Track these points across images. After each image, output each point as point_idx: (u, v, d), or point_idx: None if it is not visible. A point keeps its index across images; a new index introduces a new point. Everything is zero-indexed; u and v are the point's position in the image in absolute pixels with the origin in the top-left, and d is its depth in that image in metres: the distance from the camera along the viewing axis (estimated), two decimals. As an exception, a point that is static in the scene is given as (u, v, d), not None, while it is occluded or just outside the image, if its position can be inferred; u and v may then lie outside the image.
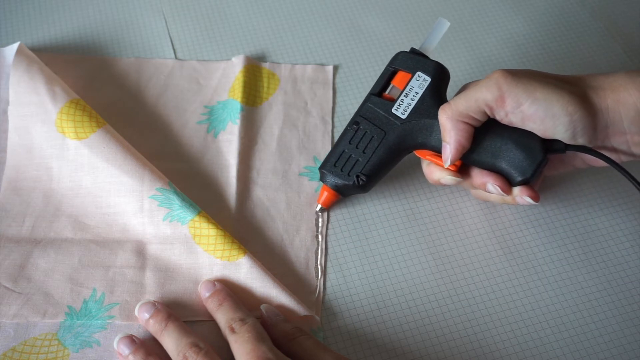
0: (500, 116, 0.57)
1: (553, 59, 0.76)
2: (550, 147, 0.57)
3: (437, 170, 0.60)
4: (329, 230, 0.63)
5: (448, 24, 0.63)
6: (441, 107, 0.58)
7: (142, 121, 0.69)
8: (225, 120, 0.69)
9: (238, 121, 0.69)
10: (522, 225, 0.64)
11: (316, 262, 0.61)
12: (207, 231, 0.59)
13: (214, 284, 0.57)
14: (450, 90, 0.64)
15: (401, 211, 0.65)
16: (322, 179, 0.63)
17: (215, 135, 0.68)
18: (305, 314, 0.57)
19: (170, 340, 0.53)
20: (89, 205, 0.62)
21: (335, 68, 0.75)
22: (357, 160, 0.61)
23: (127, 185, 0.61)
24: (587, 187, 0.67)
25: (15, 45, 0.68)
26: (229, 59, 0.74)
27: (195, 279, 0.59)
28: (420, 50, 0.63)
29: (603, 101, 0.55)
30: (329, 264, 0.62)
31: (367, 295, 0.60)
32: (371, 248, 0.62)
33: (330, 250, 0.62)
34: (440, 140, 0.59)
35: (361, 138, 0.62)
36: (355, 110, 0.63)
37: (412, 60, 0.62)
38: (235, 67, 0.73)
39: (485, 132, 0.58)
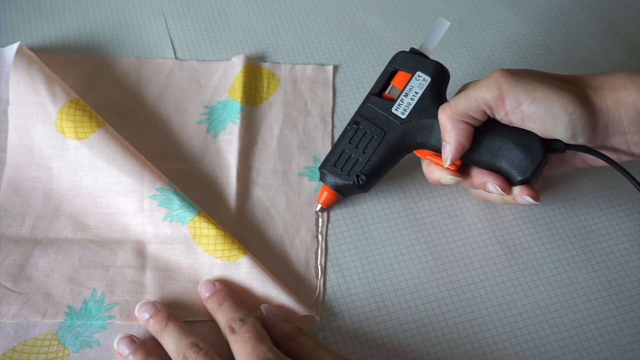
0: (500, 116, 0.57)
1: (553, 59, 0.76)
2: (550, 147, 0.57)
3: (437, 170, 0.60)
4: (329, 230, 0.63)
5: (448, 23, 0.63)
6: (441, 107, 0.58)
7: (142, 121, 0.69)
8: (225, 120, 0.69)
9: (238, 121, 0.69)
10: (522, 225, 0.64)
11: (316, 262, 0.61)
12: (207, 231, 0.59)
13: (214, 284, 0.57)
14: (450, 90, 0.64)
15: (401, 211, 0.65)
16: (322, 178, 0.63)
17: (215, 135, 0.68)
18: (305, 314, 0.57)
19: (170, 340, 0.53)
20: (89, 205, 0.62)
21: (335, 68, 0.75)
22: (357, 160, 0.61)
23: (127, 185, 0.61)
24: (587, 187, 0.67)
25: (15, 45, 0.68)
26: (229, 59, 0.74)
27: (195, 279, 0.59)
28: (420, 50, 0.63)
29: (603, 101, 0.55)
30: (329, 264, 0.62)
31: (367, 295, 0.60)
32: (371, 248, 0.62)
33: (330, 250, 0.62)
34: (440, 140, 0.59)
35: (361, 138, 0.62)
36: (355, 110, 0.63)
37: (412, 60, 0.62)
38: (235, 67, 0.73)
39: (485, 131, 0.58)
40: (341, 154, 0.62)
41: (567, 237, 0.63)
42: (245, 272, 0.58)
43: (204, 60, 0.74)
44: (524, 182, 0.58)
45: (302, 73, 0.74)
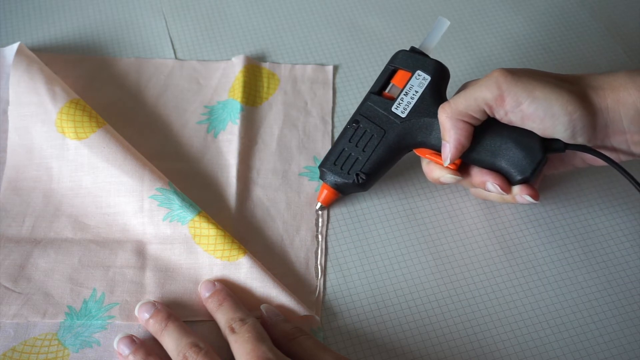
0: (499, 115, 0.57)
1: (553, 59, 0.76)
2: (550, 146, 0.57)
3: (436, 169, 0.60)
4: (329, 230, 0.63)
5: (448, 22, 0.63)
6: (441, 106, 0.58)
7: (142, 121, 0.69)
8: (225, 120, 0.69)
9: (238, 121, 0.69)
10: (522, 225, 0.64)
11: (316, 262, 0.61)
12: (207, 231, 0.59)
13: (214, 284, 0.57)
14: (450, 90, 0.64)
15: (401, 211, 0.65)
16: (322, 177, 0.63)
17: (215, 135, 0.68)
18: (305, 314, 0.57)
19: (170, 340, 0.53)
20: (89, 205, 0.62)
21: (335, 68, 0.75)
22: (357, 158, 0.62)
23: (127, 185, 0.61)
24: (586, 187, 0.67)
25: (15, 45, 0.68)
26: (229, 59, 0.74)
27: (195, 279, 0.59)
28: (420, 49, 0.63)
29: (603, 100, 0.55)
30: (329, 264, 0.62)
31: (367, 295, 0.60)
32: (371, 248, 0.62)
33: (330, 250, 0.62)
34: (439, 139, 0.59)
35: (361, 136, 0.62)
36: (355, 109, 0.63)
37: (412, 58, 0.62)
38: (235, 67, 0.73)
39: (485, 131, 0.58)
40: (341, 153, 0.62)
41: (567, 237, 0.63)
42: (245, 272, 0.58)
43: (204, 60, 0.74)
44: (523, 182, 0.58)
45: (302, 73, 0.74)
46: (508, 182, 0.59)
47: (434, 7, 0.81)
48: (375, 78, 0.64)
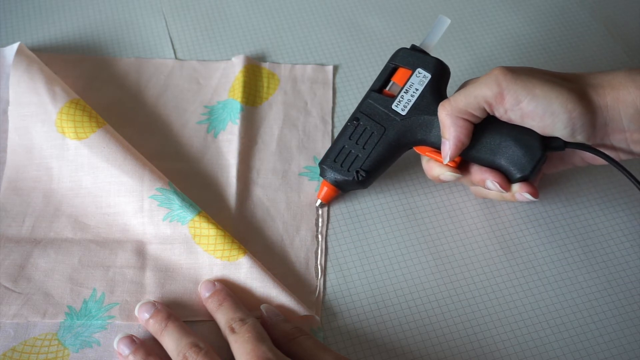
0: (499, 113, 0.57)
1: (553, 59, 0.76)
2: (549, 145, 0.58)
3: (436, 167, 0.61)
4: (329, 230, 0.63)
5: (449, 21, 0.63)
6: (441, 104, 0.58)
7: (142, 121, 0.69)
8: (225, 120, 0.69)
9: (238, 121, 0.69)
10: (522, 224, 0.64)
11: (316, 262, 0.61)
12: (207, 231, 0.59)
13: (214, 284, 0.57)
14: (450, 90, 0.64)
15: (401, 210, 0.65)
16: (322, 174, 0.63)
17: (215, 135, 0.68)
18: (305, 314, 0.57)
19: (170, 340, 0.53)
20: (89, 205, 0.62)
21: (335, 68, 0.75)
22: (357, 156, 0.62)
23: (127, 185, 0.61)
24: (586, 186, 0.67)
25: (15, 45, 0.68)
26: (229, 59, 0.74)
27: (195, 279, 0.59)
28: (421, 47, 0.63)
29: (602, 99, 0.55)
30: (329, 264, 0.62)
31: (367, 295, 0.60)
32: (371, 248, 0.62)
33: (330, 250, 0.62)
34: (439, 137, 0.59)
35: (361, 134, 0.62)
36: (356, 107, 0.63)
37: (412, 56, 0.62)
38: (235, 67, 0.73)
39: (485, 128, 0.58)
40: (341, 150, 0.62)
41: (567, 237, 0.63)
42: (245, 272, 0.58)
43: (204, 60, 0.74)
44: (523, 180, 0.58)
45: (302, 73, 0.74)
46: (508, 180, 0.59)
47: (434, 7, 0.81)
48: (375, 78, 0.64)
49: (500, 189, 0.59)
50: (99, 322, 0.56)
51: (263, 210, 0.64)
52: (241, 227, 0.63)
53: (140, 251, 0.60)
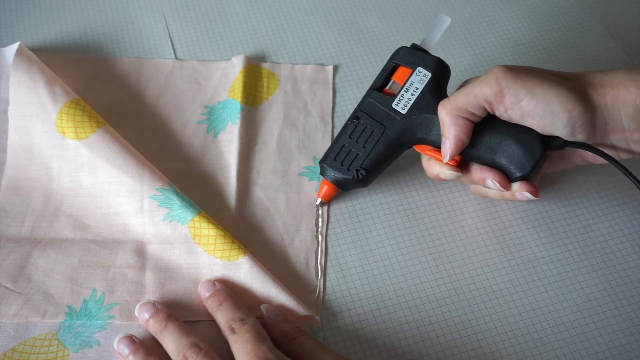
0: (499, 112, 0.57)
1: (553, 59, 0.76)
2: (549, 144, 0.58)
3: (436, 165, 0.61)
4: (329, 230, 0.63)
5: (449, 20, 0.63)
6: (441, 103, 0.58)
7: (142, 121, 0.69)
8: (225, 120, 0.69)
9: (238, 121, 0.69)
10: (522, 224, 0.64)
11: (316, 262, 0.61)
12: (207, 231, 0.59)
13: (214, 284, 0.57)
14: (450, 90, 0.64)
15: (401, 210, 0.65)
16: (322, 172, 0.63)
17: (215, 135, 0.68)
18: (305, 314, 0.57)
19: (170, 340, 0.53)
20: (89, 205, 0.62)
21: (335, 68, 0.75)
22: (357, 154, 0.62)
23: (127, 185, 0.61)
24: (586, 186, 0.66)
25: (15, 45, 0.68)
26: (229, 59, 0.74)
27: (195, 279, 0.59)
28: (421, 46, 0.63)
29: (602, 98, 0.55)
30: (329, 264, 0.62)
31: (367, 295, 0.60)
32: (371, 248, 0.62)
33: (330, 250, 0.62)
34: (439, 136, 0.59)
35: (361, 132, 0.62)
36: (356, 106, 0.63)
37: (412, 55, 0.62)
38: (235, 67, 0.73)
39: (485, 127, 0.58)
40: (341, 149, 0.62)
41: (567, 237, 0.63)
42: (245, 272, 0.58)
43: (204, 60, 0.74)
44: (522, 178, 0.59)
45: (302, 73, 0.74)
46: (507, 178, 0.59)
47: (434, 7, 0.81)
48: (375, 78, 0.64)
49: (500, 187, 0.59)
50: (99, 322, 0.56)
51: (263, 210, 0.64)
52: (241, 227, 0.63)
53: (140, 251, 0.60)
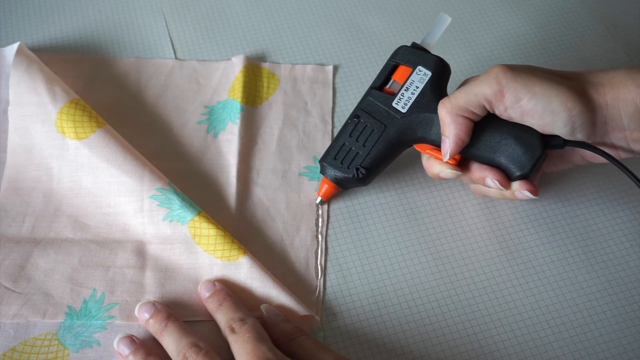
0: (499, 111, 0.57)
1: (553, 59, 0.76)
2: (549, 143, 0.58)
3: (436, 164, 0.61)
4: (329, 230, 0.63)
5: (449, 19, 0.63)
6: (441, 101, 0.58)
7: (142, 121, 0.69)
8: (225, 120, 0.69)
9: (238, 121, 0.69)
10: (522, 224, 0.64)
11: (316, 262, 0.61)
12: (207, 231, 0.59)
13: (214, 284, 0.57)
14: (450, 89, 0.64)
15: (400, 210, 0.65)
16: (322, 171, 0.63)
17: (215, 135, 0.68)
18: (305, 314, 0.57)
19: (170, 340, 0.53)
20: (89, 205, 0.62)
21: (335, 68, 0.75)
22: (357, 153, 0.62)
23: (127, 185, 0.61)
24: (586, 185, 0.66)
25: (15, 45, 0.68)
26: (229, 59, 0.74)
27: (195, 279, 0.59)
28: (422, 45, 0.63)
29: (602, 97, 0.55)
30: (329, 264, 0.62)
31: (367, 295, 0.60)
32: (371, 248, 0.62)
33: (330, 250, 0.62)
34: (439, 135, 0.59)
35: (361, 131, 0.62)
36: (356, 105, 0.63)
37: (413, 54, 0.62)
38: (235, 67, 0.73)
39: (485, 126, 0.59)
40: (341, 147, 0.62)
41: (567, 237, 0.63)
42: (245, 272, 0.58)
43: (204, 60, 0.74)
44: (522, 177, 0.59)
45: (302, 73, 0.74)
46: (507, 177, 0.59)
47: (434, 7, 0.81)
48: (374, 78, 0.64)
49: (500, 186, 0.59)
50: (99, 322, 0.56)
51: (263, 210, 0.64)
52: (241, 227, 0.63)
53: (140, 251, 0.60)
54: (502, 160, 0.58)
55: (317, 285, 0.60)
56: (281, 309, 0.57)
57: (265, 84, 0.72)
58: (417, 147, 0.62)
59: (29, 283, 0.58)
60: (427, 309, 0.59)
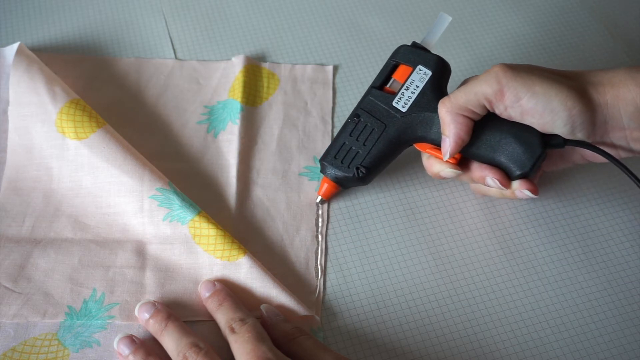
0: (499, 110, 0.57)
1: (553, 59, 0.76)
2: (549, 142, 0.58)
3: (436, 163, 0.61)
4: (329, 230, 0.63)
5: (450, 18, 0.63)
6: (441, 101, 0.58)
7: (142, 121, 0.69)
8: (225, 120, 0.69)
9: (238, 121, 0.69)
10: (522, 224, 0.64)
11: (316, 262, 0.61)
12: (207, 231, 0.59)
13: (214, 284, 0.57)
14: (450, 89, 0.63)
15: (400, 209, 0.65)
16: (323, 170, 0.63)
17: (215, 135, 0.68)
18: (305, 314, 0.57)
19: (170, 340, 0.53)
20: (89, 205, 0.62)
21: (335, 68, 0.75)
22: (357, 152, 0.62)
23: (127, 185, 0.61)
24: (586, 185, 0.66)
25: (15, 45, 0.68)
26: (229, 59, 0.74)
27: (195, 279, 0.59)
28: (422, 44, 0.63)
29: (602, 97, 0.55)
30: (329, 264, 0.62)
31: (367, 295, 0.60)
32: (371, 248, 0.62)
33: (330, 250, 0.62)
34: (440, 134, 0.59)
35: (361, 131, 0.62)
36: (356, 104, 0.63)
37: (413, 53, 0.62)
38: (235, 67, 0.73)
39: (485, 126, 0.59)
40: (342, 147, 0.62)
41: (567, 237, 0.63)
42: (245, 272, 0.58)
43: (204, 60, 0.74)
44: (522, 177, 0.59)
45: (302, 73, 0.74)
46: (507, 177, 0.59)
47: (434, 7, 0.81)
48: (375, 78, 0.64)
49: (500, 186, 0.59)
50: (99, 322, 0.56)
51: (263, 210, 0.64)
52: (241, 227, 0.63)
53: (140, 251, 0.60)
54: (502, 159, 0.58)
55: (317, 285, 0.60)
56: (281, 309, 0.57)
57: (265, 84, 0.72)
58: (417, 146, 0.62)
59: (29, 283, 0.58)
60: (427, 309, 0.59)
